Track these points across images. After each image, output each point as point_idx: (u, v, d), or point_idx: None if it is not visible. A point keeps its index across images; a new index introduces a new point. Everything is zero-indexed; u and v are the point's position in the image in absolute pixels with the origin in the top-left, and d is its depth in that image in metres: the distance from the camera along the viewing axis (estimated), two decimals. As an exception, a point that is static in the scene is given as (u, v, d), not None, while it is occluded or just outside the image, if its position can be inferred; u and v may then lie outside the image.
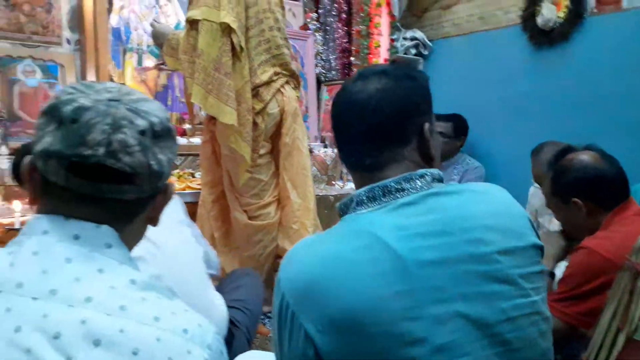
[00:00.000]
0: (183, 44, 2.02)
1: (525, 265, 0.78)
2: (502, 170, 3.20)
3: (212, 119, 2.16)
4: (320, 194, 2.97)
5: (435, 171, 0.83)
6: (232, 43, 1.96)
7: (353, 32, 3.67)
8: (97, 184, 0.67)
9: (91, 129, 0.65)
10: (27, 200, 2.31)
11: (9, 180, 2.40)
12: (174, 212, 1.31)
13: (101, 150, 0.65)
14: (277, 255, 2.31)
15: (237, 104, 2.02)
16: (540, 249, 0.82)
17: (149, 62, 3.19)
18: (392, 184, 0.80)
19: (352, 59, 3.69)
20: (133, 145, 0.67)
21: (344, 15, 3.95)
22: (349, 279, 0.72)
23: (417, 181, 0.80)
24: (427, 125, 0.85)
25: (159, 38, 2.21)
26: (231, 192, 2.24)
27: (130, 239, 0.75)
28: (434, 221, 0.76)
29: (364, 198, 0.81)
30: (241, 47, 1.99)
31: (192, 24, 1.97)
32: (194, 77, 1.98)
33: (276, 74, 2.16)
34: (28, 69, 2.79)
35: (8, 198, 2.35)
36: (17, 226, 2.02)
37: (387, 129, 0.83)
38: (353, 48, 3.66)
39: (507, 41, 3.22)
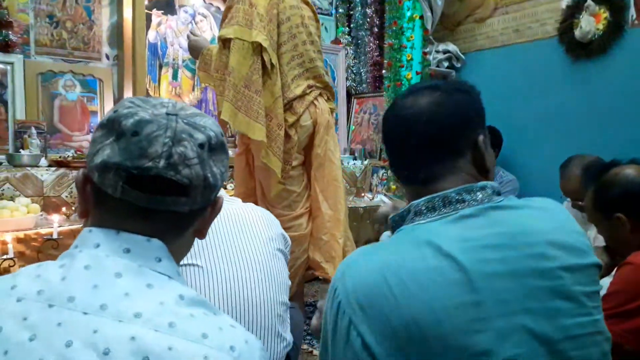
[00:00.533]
0: (215, 62, 2.06)
1: (587, 284, 0.76)
2: (536, 183, 3.13)
3: None
4: (350, 206, 2.96)
5: (494, 184, 0.82)
6: (263, 61, 1.99)
7: (385, 45, 3.66)
8: (154, 196, 0.67)
9: (152, 142, 0.66)
10: (63, 211, 2.38)
11: (48, 191, 2.47)
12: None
13: (162, 163, 0.66)
14: (308, 267, 2.31)
15: (268, 120, 2.04)
16: (599, 267, 0.80)
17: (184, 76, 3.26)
18: (453, 195, 0.79)
19: (383, 72, 3.68)
20: (192, 158, 0.67)
21: (375, 29, 3.96)
22: (411, 289, 0.71)
23: (478, 193, 0.80)
24: (481, 138, 0.85)
25: (194, 51, 2.26)
26: (263, 203, 2.25)
27: (179, 252, 0.75)
28: (497, 234, 0.75)
29: (423, 208, 0.80)
30: (272, 65, 2.01)
31: (225, 42, 2.01)
32: (224, 94, 2.01)
33: (309, 86, 2.17)
34: (68, 83, 2.88)
35: (47, 209, 2.42)
36: (55, 236, 2.07)
37: (441, 141, 0.83)
38: (385, 61, 3.65)
39: (543, 53, 3.16)
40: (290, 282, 1.41)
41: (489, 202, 0.79)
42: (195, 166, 0.68)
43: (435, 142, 0.83)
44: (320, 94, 2.22)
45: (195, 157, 0.68)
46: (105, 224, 0.69)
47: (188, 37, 2.33)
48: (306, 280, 2.38)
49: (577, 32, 2.92)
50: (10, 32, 2.63)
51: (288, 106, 2.11)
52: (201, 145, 0.68)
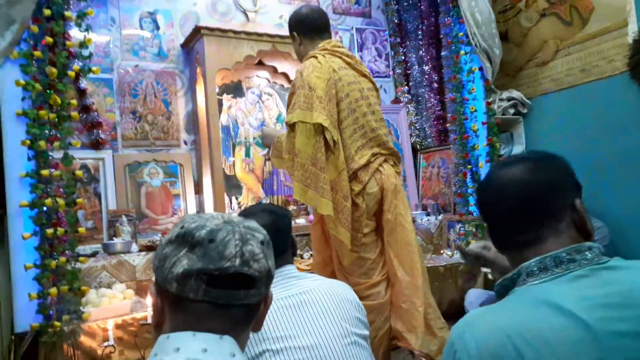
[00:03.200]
0: (286, 145, 2.16)
1: None
2: (629, 228, 2.93)
3: None
4: (429, 265, 2.88)
5: (599, 245, 0.84)
6: (325, 139, 2.08)
7: (446, 99, 3.68)
8: (233, 292, 0.77)
9: (227, 245, 0.77)
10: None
11: (139, 275, 2.62)
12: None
13: (237, 261, 0.76)
14: (392, 337, 2.24)
15: (334, 193, 2.10)
16: None
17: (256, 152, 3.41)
18: (564, 255, 0.81)
19: (448, 125, 3.68)
20: (259, 253, 0.79)
21: (435, 85, 4.00)
22: (536, 349, 0.72)
23: (587, 253, 0.81)
24: (578, 201, 0.88)
25: (266, 140, 2.40)
26: (340, 272, 2.26)
27: (242, 344, 0.82)
28: (615, 294, 0.75)
29: (535, 269, 0.82)
30: (334, 141, 2.10)
31: (291, 126, 2.13)
32: (294, 174, 2.11)
33: (374, 155, 2.21)
34: (152, 171, 3.10)
35: (140, 292, 2.55)
36: (149, 320, 2.16)
37: (538, 204, 0.87)
38: (448, 115, 3.66)
39: (615, 91, 3.04)
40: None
41: (598, 261, 0.80)
42: (262, 260, 0.80)
43: (532, 206, 0.87)
44: (385, 160, 2.25)
45: (260, 252, 0.80)
46: (182, 328, 0.76)
47: (262, 129, 2.51)
48: (390, 351, 2.31)
49: (650, 66, 2.80)
50: (100, 131, 2.90)
51: (353, 176, 2.16)
52: (262, 242, 0.81)
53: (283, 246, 1.44)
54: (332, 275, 2.34)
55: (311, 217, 3.17)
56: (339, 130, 2.13)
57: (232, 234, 0.78)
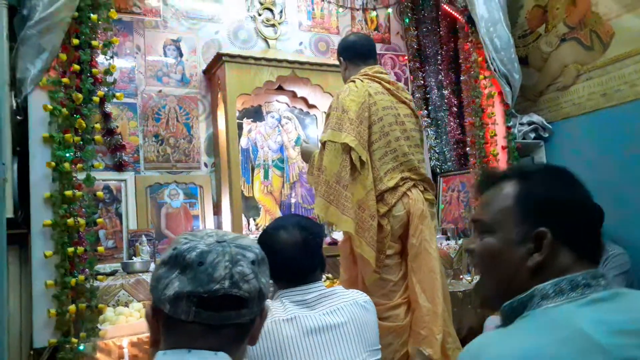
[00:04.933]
0: (317, 162, 2.25)
1: None
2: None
3: None
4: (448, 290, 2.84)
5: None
6: (351, 159, 2.14)
7: (466, 123, 3.68)
8: (224, 313, 0.78)
9: (216, 267, 0.78)
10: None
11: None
12: None
13: (227, 283, 0.78)
14: None
15: (361, 211, 2.14)
16: None
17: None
18: (580, 279, 0.80)
19: (467, 149, 3.66)
20: (249, 274, 0.80)
21: (454, 109, 4.00)
22: None
23: (601, 279, 0.81)
24: (547, 235, 0.85)
25: (304, 157, 2.49)
26: (363, 291, 2.26)
27: (239, 359, 0.84)
28: (631, 321, 0.74)
29: (551, 292, 0.80)
30: (362, 162, 2.15)
31: (323, 145, 2.21)
32: (317, 189, 2.18)
33: (403, 179, 2.24)
34: (173, 192, 3.18)
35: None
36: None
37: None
38: (468, 139, 3.65)
39: (637, 115, 2.99)
40: None
41: (610, 289, 0.80)
42: (252, 280, 0.81)
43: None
44: (414, 185, 2.27)
45: (251, 272, 0.81)
46: (177, 345, 0.78)
47: (300, 144, 2.57)
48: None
49: (673, 90, 2.76)
50: (123, 154, 3.00)
51: (380, 197, 2.19)
52: (253, 262, 0.82)
53: (311, 264, 1.45)
54: None
55: (328, 239, 3.19)
56: (369, 151, 2.19)
57: (222, 256, 0.80)
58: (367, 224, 2.14)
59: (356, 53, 2.39)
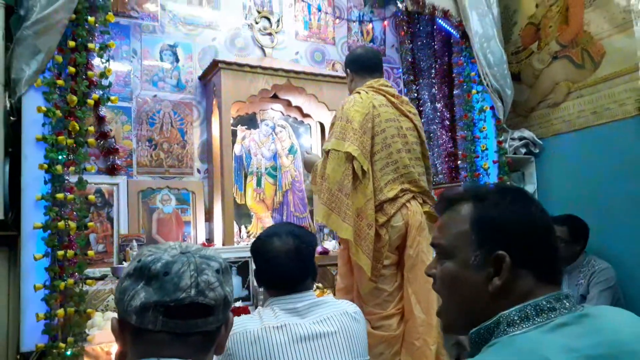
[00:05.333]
0: (319, 170, 2.28)
1: None
2: (635, 269, 2.89)
3: None
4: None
5: (573, 294, 0.84)
6: (354, 168, 2.18)
7: (458, 137, 3.71)
8: (190, 321, 0.80)
9: (182, 276, 0.80)
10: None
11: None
12: None
13: (193, 292, 0.80)
14: None
15: (359, 220, 2.17)
16: None
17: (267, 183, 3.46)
18: (544, 303, 0.79)
19: (458, 162, 3.70)
20: (214, 282, 0.83)
21: (447, 122, 4.04)
22: None
23: (565, 301, 0.80)
24: (505, 258, 0.85)
25: (307, 167, 2.53)
26: (358, 300, 2.30)
27: None
28: (598, 344, 0.73)
29: (516, 318, 0.79)
30: (363, 171, 2.19)
31: (327, 153, 2.25)
32: (320, 197, 2.22)
33: (403, 190, 2.28)
34: (165, 197, 3.17)
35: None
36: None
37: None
38: (459, 152, 3.68)
39: (626, 133, 3.04)
40: None
41: (575, 310, 0.79)
42: (217, 288, 0.83)
43: None
44: (413, 197, 2.30)
45: (216, 280, 0.83)
46: (145, 356, 0.79)
47: (303, 155, 2.58)
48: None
49: (661, 110, 2.81)
50: (116, 157, 2.98)
51: (379, 207, 2.23)
52: (217, 271, 0.85)
53: (303, 272, 1.46)
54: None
55: (320, 248, 3.19)
56: (370, 162, 2.23)
57: (187, 265, 0.82)
58: (364, 232, 2.17)
59: (362, 65, 2.45)
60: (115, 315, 0.86)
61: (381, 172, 2.25)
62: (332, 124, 2.32)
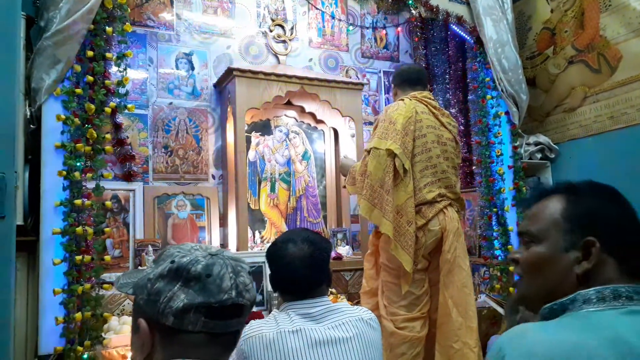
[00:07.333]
0: (360, 168, 2.38)
1: None
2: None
3: (376, 234, 2.41)
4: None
5: None
6: (395, 166, 2.26)
7: (472, 142, 3.69)
8: (228, 321, 0.83)
9: (223, 278, 0.83)
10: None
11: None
12: None
13: (234, 293, 0.83)
14: None
15: (399, 216, 2.25)
16: None
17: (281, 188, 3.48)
18: (623, 290, 0.82)
19: (473, 168, 3.68)
20: (249, 284, 0.87)
21: (461, 128, 4.02)
22: None
23: None
24: (595, 244, 0.88)
25: (343, 169, 2.63)
26: (381, 300, 2.36)
27: None
28: None
29: (593, 298, 0.82)
30: (405, 170, 2.27)
31: (368, 152, 2.35)
32: (362, 193, 2.30)
33: (441, 195, 2.35)
34: (180, 203, 3.21)
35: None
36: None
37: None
38: (474, 158, 3.66)
39: (645, 138, 3.01)
40: None
41: None
42: (252, 290, 0.88)
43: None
44: (450, 204, 2.38)
45: (250, 282, 0.88)
46: (179, 356, 0.80)
47: (341, 160, 2.78)
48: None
49: (680, 115, 2.77)
50: (132, 164, 3.03)
51: (417, 210, 2.31)
52: (249, 273, 0.89)
53: (318, 278, 1.46)
54: (377, 306, 2.39)
55: (333, 253, 3.20)
56: (411, 162, 2.32)
57: (225, 268, 0.84)
58: (404, 229, 2.24)
59: (404, 79, 2.59)
60: (129, 319, 0.87)
61: (421, 174, 2.33)
62: (375, 126, 2.42)
